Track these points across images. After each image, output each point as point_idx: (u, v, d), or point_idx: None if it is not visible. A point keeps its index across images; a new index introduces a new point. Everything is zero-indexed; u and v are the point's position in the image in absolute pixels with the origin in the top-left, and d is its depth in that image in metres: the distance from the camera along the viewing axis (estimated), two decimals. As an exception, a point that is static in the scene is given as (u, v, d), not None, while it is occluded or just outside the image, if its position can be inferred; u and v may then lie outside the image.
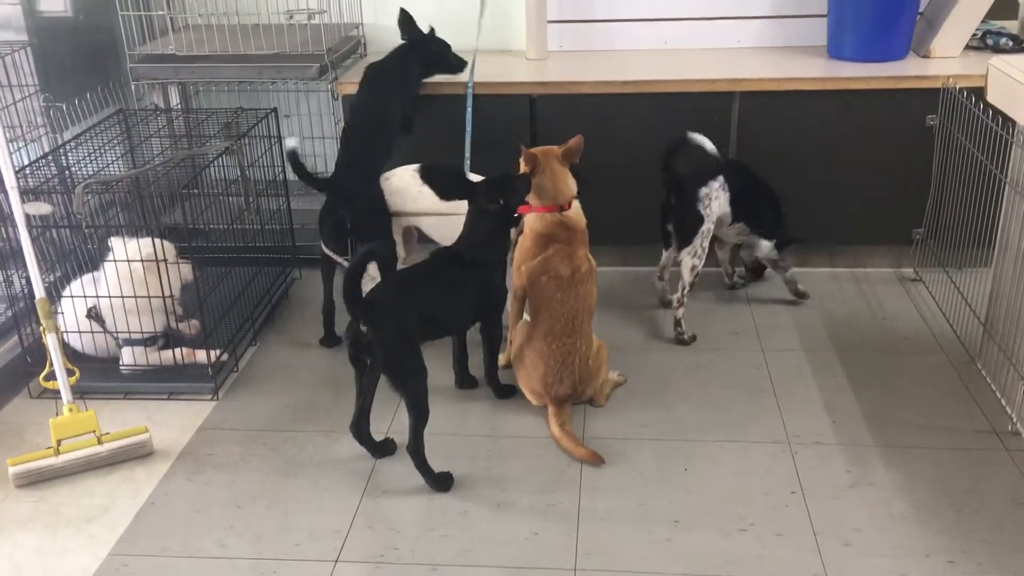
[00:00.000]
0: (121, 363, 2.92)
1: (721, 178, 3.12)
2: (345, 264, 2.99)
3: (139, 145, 3.33)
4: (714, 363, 2.99)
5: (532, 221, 2.71)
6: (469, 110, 3.28)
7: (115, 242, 2.87)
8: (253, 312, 3.23)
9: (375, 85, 3.20)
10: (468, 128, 3.26)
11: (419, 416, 2.40)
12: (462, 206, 2.72)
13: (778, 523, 2.28)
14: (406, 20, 3.26)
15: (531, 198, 2.69)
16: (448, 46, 3.35)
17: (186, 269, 2.92)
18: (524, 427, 2.68)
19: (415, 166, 3.10)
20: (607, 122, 3.36)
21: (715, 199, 3.09)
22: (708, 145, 3.11)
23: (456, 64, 3.35)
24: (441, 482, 2.44)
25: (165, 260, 2.79)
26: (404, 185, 3.06)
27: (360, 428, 2.53)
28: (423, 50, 3.29)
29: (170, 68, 3.47)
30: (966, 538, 2.21)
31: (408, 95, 3.25)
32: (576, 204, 2.73)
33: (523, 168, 2.69)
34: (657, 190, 3.41)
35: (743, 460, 2.51)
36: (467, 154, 3.22)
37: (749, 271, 3.50)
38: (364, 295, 2.38)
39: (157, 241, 2.84)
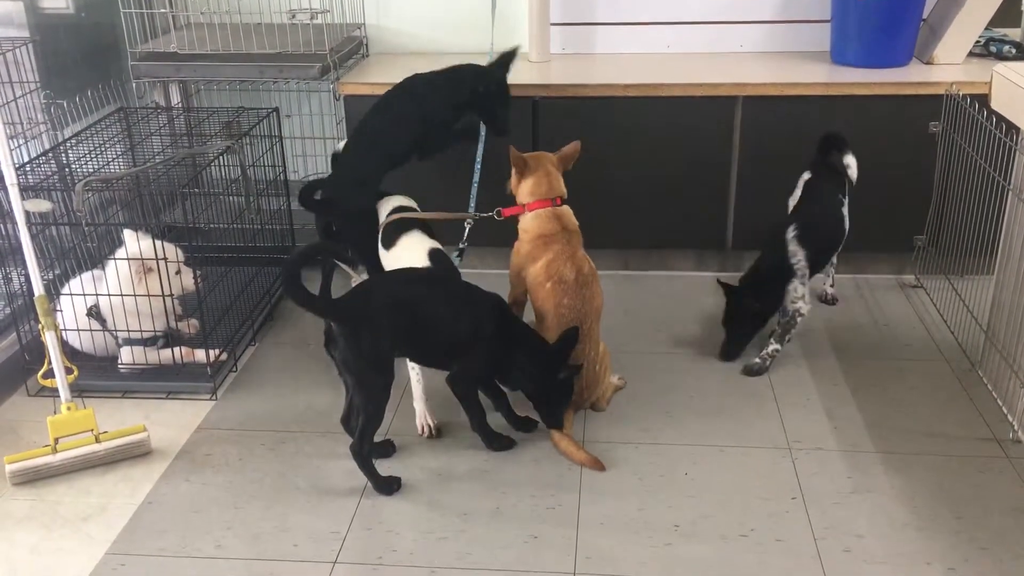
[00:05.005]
0: (120, 362, 2.91)
1: None
2: (339, 264, 2.93)
3: (140, 143, 3.32)
4: (715, 369, 2.98)
5: (528, 223, 2.67)
6: (482, 133, 3.14)
7: (128, 234, 2.85)
8: (252, 312, 3.22)
9: (396, 96, 3.03)
10: (480, 148, 3.13)
11: (370, 420, 2.37)
12: None
13: (778, 529, 2.27)
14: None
15: (527, 196, 2.68)
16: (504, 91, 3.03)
17: (188, 280, 2.89)
18: (524, 430, 2.67)
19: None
20: (609, 125, 3.35)
21: None
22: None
23: (501, 122, 3.04)
24: (386, 486, 2.42)
25: (166, 259, 2.78)
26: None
27: (351, 423, 2.48)
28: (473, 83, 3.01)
29: (171, 66, 3.47)
30: (967, 546, 2.20)
31: (430, 122, 3.00)
32: (567, 207, 2.70)
33: (513, 175, 2.68)
34: (657, 193, 3.41)
35: (744, 466, 2.50)
36: (475, 179, 3.09)
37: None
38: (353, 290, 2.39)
39: (166, 244, 2.82)
